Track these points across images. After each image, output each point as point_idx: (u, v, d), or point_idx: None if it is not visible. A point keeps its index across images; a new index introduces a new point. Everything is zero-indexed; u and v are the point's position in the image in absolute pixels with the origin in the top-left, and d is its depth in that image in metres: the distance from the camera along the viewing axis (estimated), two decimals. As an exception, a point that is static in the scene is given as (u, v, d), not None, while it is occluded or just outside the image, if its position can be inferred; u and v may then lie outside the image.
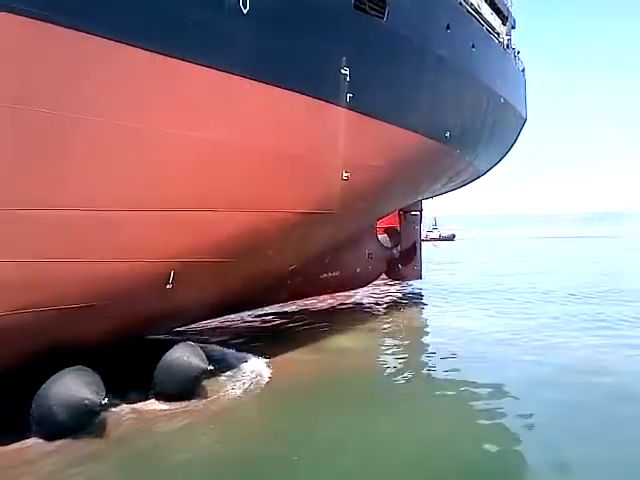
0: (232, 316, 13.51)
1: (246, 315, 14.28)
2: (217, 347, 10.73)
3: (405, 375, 9.56)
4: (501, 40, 15.19)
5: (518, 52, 17.32)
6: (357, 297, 18.04)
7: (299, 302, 15.13)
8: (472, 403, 7.83)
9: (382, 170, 10.11)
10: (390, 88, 9.76)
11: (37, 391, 6.33)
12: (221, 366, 8.92)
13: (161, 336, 9.33)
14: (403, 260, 18.94)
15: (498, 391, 8.41)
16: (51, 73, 5.62)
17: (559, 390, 8.19)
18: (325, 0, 8.27)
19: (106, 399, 6.35)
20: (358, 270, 15.55)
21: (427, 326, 15.06)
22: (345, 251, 13.47)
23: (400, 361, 10.69)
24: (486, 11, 14.06)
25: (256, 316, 14.41)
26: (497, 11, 15.07)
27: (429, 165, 12.36)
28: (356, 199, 9.73)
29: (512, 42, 16.40)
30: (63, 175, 5.87)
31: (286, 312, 14.92)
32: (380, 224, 17.09)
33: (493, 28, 14.50)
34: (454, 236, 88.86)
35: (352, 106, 8.84)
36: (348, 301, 17.24)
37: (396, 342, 12.41)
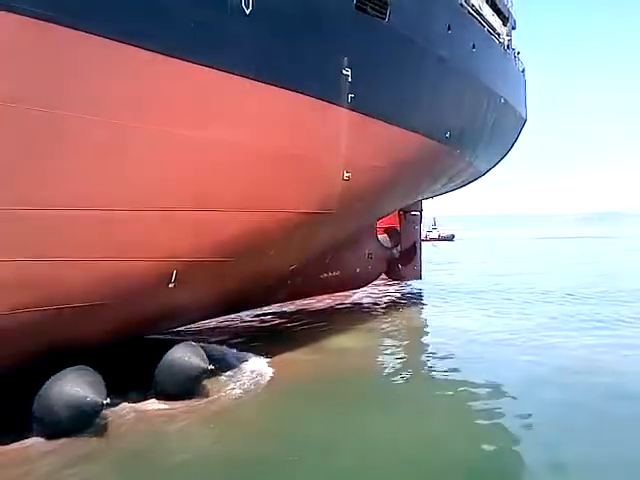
0: (231, 316, 13.50)
1: (245, 315, 14.28)
2: (217, 347, 10.76)
3: (404, 375, 9.60)
4: (502, 41, 15.21)
5: (518, 53, 17.35)
6: (356, 297, 18.06)
7: (298, 302, 15.13)
8: (470, 403, 7.86)
9: (383, 170, 10.13)
10: (391, 88, 9.77)
11: (38, 391, 6.33)
12: (221, 366, 8.94)
13: (161, 336, 9.35)
14: (403, 260, 18.97)
15: (496, 391, 8.45)
16: (51, 73, 5.61)
17: (557, 390, 8.22)
18: (327, 1, 8.28)
19: (107, 399, 6.36)
20: (358, 270, 15.58)
21: (426, 326, 15.10)
22: (345, 251, 13.49)
23: (399, 361, 10.73)
24: (487, 12, 14.07)
25: (255, 316, 14.42)
26: (498, 12, 15.08)
27: (429, 165, 12.39)
28: (357, 199, 9.76)
29: (512, 43, 16.43)
30: (63, 175, 5.86)
31: (285, 312, 14.93)
32: (380, 224, 17.12)
33: (494, 29, 14.52)
34: (453, 236, 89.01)
35: (353, 106, 8.86)
36: (347, 301, 17.26)
37: (395, 342, 12.43)
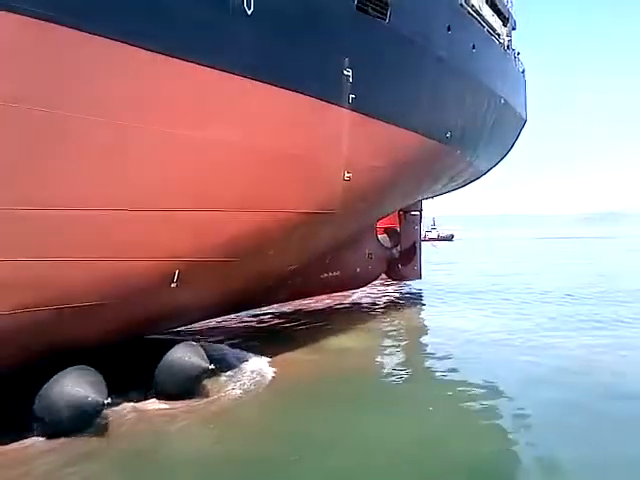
0: (230, 316, 13.49)
1: (243, 315, 14.27)
2: (217, 346, 10.77)
3: (404, 375, 9.63)
4: (501, 41, 15.22)
5: (518, 53, 17.37)
6: (355, 297, 18.07)
7: (296, 302, 15.11)
8: (469, 403, 7.87)
9: (384, 170, 10.15)
10: (392, 89, 9.78)
11: (39, 390, 6.34)
12: (221, 366, 8.96)
13: (161, 336, 9.36)
14: (403, 260, 18.99)
15: (495, 391, 8.48)
16: (52, 73, 5.61)
17: (555, 390, 8.24)
18: (328, 2, 8.29)
19: (108, 398, 6.37)
20: (358, 270, 15.60)
21: (425, 326, 15.12)
22: (345, 251, 13.51)
23: (398, 361, 10.76)
24: (487, 12, 14.08)
25: (253, 316, 14.42)
26: (498, 12, 15.09)
27: (430, 165, 12.41)
28: (357, 199, 9.78)
29: (512, 43, 16.44)
30: (64, 175, 5.86)
31: (284, 312, 14.93)
32: (380, 224, 17.13)
33: (494, 29, 14.53)
34: (452, 236, 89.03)
35: (354, 107, 8.88)
36: (346, 301, 17.27)
37: (394, 342, 12.45)
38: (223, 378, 8.69)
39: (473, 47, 12.33)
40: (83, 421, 6.40)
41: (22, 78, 5.42)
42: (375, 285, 19.70)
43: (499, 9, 15.12)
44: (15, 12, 5.21)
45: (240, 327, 13.54)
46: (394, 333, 13.36)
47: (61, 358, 6.55)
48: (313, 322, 13.66)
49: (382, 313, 15.53)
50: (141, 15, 6.15)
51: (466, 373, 9.48)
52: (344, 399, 7.94)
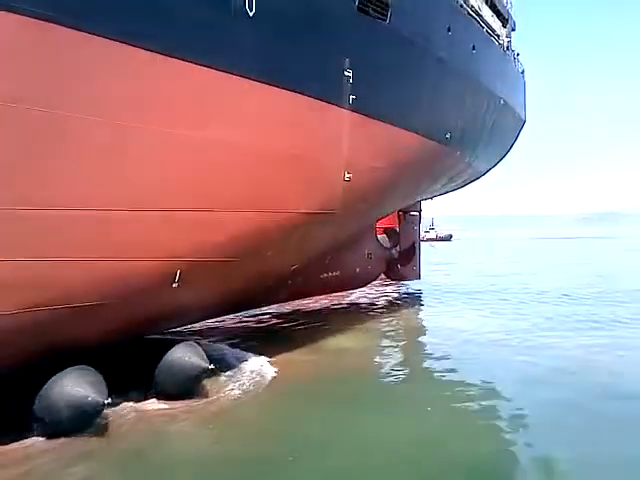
0: (229, 316, 13.50)
1: (242, 315, 14.26)
2: (217, 346, 10.78)
3: (402, 375, 9.64)
4: (501, 42, 15.26)
5: (518, 54, 17.42)
6: (353, 297, 18.07)
7: (294, 302, 15.09)
8: (467, 403, 7.89)
9: (384, 171, 10.17)
10: (392, 90, 9.81)
11: (39, 390, 6.34)
12: (221, 366, 8.96)
13: (161, 336, 9.36)
14: (402, 260, 19.02)
15: (492, 391, 8.52)
16: (51, 73, 5.60)
17: (552, 390, 8.27)
18: (329, 3, 8.30)
19: (108, 398, 6.37)
20: (358, 270, 15.62)
21: (423, 326, 15.15)
22: (345, 251, 13.53)
23: (397, 362, 10.76)
24: (486, 13, 14.12)
25: (252, 316, 14.41)
26: (497, 13, 15.13)
27: (430, 166, 12.44)
28: (358, 200, 9.79)
29: (512, 44, 16.48)
30: (64, 175, 5.86)
31: (282, 312, 14.93)
32: (379, 224, 17.17)
33: (493, 30, 14.57)
34: (451, 236, 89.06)
35: (355, 108, 8.89)
36: (344, 301, 17.27)
37: (392, 342, 12.46)
38: (223, 378, 8.70)
39: (473, 48, 12.36)
40: (83, 421, 6.40)
41: (21, 78, 5.41)
42: (373, 285, 19.71)
43: (499, 10, 15.15)
44: (15, 12, 5.20)
45: (239, 327, 13.53)
46: (392, 333, 13.37)
47: (61, 358, 6.55)
48: (311, 322, 13.66)
49: (380, 313, 15.54)
50: (141, 15, 6.15)
51: (464, 373, 9.52)
52: (343, 399, 7.96)
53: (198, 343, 8.45)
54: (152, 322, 8.08)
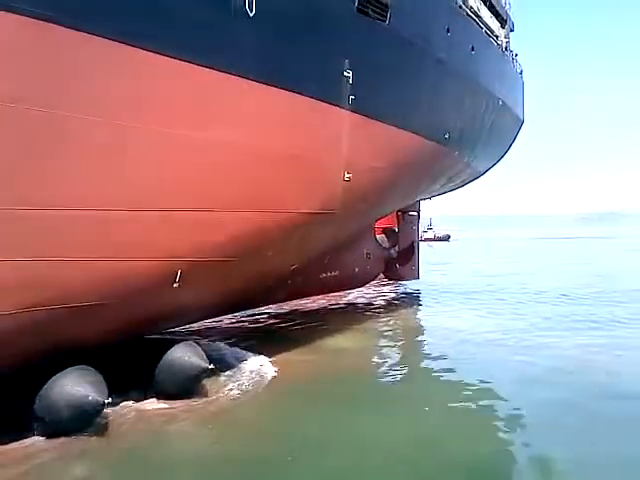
0: (227, 316, 13.51)
1: (240, 315, 14.25)
2: (216, 346, 10.78)
3: (400, 376, 9.65)
4: (500, 43, 15.31)
5: (516, 55, 17.47)
6: (350, 297, 18.06)
7: (292, 302, 15.08)
8: (465, 403, 7.91)
9: (383, 171, 10.19)
10: (392, 90, 9.83)
11: (39, 390, 6.35)
12: (221, 366, 8.97)
13: (160, 336, 9.37)
14: (401, 260, 19.06)
15: (490, 391, 8.53)
16: (51, 73, 5.59)
17: (550, 390, 8.28)
18: (329, 4, 8.32)
19: (109, 398, 6.38)
20: (357, 270, 15.65)
21: (420, 326, 15.16)
22: (344, 251, 13.55)
23: (395, 361, 10.76)
24: (485, 14, 14.17)
25: (250, 316, 14.40)
26: (496, 14, 15.18)
27: (429, 166, 12.47)
28: (357, 200, 9.81)
29: (510, 45, 16.54)
30: (63, 175, 5.85)
31: (279, 312, 14.92)
32: (378, 224, 17.20)
33: (492, 31, 14.61)
34: (449, 237, 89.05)
35: (354, 108, 8.91)
36: (341, 301, 17.26)
37: (390, 342, 12.47)
38: (222, 378, 8.71)
39: (472, 49, 12.40)
40: (83, 421, 6.41)
41: (20, 78, 5.40)
42: (371, 285, 19.72)
43: (497, 11, 15.20)
44: (14, 12, 5.20)
45: (237, 327, 13.53)
46: (390, 333, 13.38)
47: (61, 358, 6.55)
48: (309, 322, 13.66)
49: (378, 313, 15.54)
50: (141, 15, 6.14)
51: (462, 373, 9.54)
52: (341, 399, 7.97)
53: (197, 343, 8.47)
54: (152, 322, 8.09)
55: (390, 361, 10.80)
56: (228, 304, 9.97)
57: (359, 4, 8.66)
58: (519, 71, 17.93)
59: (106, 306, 6.62)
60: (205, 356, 7.86)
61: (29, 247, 5.79)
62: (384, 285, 21.14)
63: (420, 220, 20.46)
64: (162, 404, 7.55)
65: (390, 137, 10.02)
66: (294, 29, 7.70)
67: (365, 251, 15.96)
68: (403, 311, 16.39)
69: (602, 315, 14.67)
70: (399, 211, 18.06)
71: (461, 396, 8.22)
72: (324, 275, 13.49)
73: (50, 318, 6.10)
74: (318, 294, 15.65)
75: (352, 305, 17.08)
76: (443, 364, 10.25)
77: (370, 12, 8.87)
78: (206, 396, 7.87)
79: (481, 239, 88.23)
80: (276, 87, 7.58)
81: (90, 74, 5.88)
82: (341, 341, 11.81)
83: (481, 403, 7.92)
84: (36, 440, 6.29)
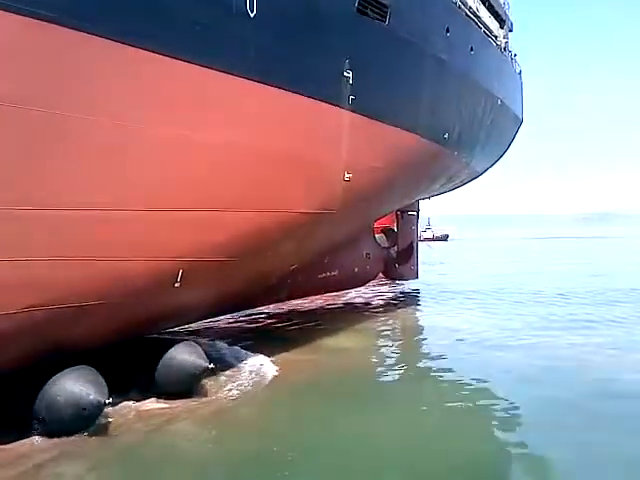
0: (226, 316, 13.51)
1: (238, 315, 14.23)
2: (216, 346, 10.80)
3: (399, 375, 9.69)
4: (499, 43, 15.35)
5: (515, 55, 17.52)
6: (348, 297, 18.07)
7: (290, 302, 15.01)
8: (463, 403, 7.92)
9: (383, 171, 10.20)
10: (391, 90, 9.85)
11: (39, 390, 6.35)
12: (221, 365, 8.98)
13: (159, 335, 9.37)
14: (400, 260, 19.10)
15: (487, 390, 8.58)
16: (51, 73, 5.59)
17: (548, 389, 8.31)
18: (329, 4, 8.33)
19: (109, 398, 6.39)
20: (356, 270, 15.67)
21: (418, 326, 15.19)
22: (343, 251, 13.57)
23: (393, 361, 10.81)
24: (484, 14, 14.20)
25: (247, 315, 14.39)
26: (495, 14, 15.22)
27: (428, 166, 12.49)
28: (357, 200, 9.82)
29: (509, 45, 16.58)
30: (63, 175, 5.85)
31: (277, 312, 14.92)
32: (377, 224, 17.23)
33: (491, 31, 14.65)
34: (447, 236, 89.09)
35: (354, 108, 8.92)
36: (339, 301, 17.27)
37: (389, 342, 12.50)
38: (222, 378, 8.72)
39: (471, 49, 12.43)
40: (83, 420, 6.40)
41: (21, 78, 5.40)
42: (369, 285, 19.77)
43: (496, 11, 15.24)
44: (15, 12, 5.20)
45: (235, 327, 13.52)
46: (388, 333, 13.41)
47: (61, 358, 6.55)
48: (308, 322, 13.67)
49: (376, 313, 15.55)
50: (142, 16, 6.15)
51: (459, 372, 9.57)
52: (340, 399, 7.98)
53: (197, 342, 8.48)
54: (152, 322, 8.09)
55: (389, 361, 10.87)
56: (228, 304, 9.99)
57: (359, 4, 8.68)
58: (518, 71, 17.97)
59: (106, 306, 6.62)
60: (205, 355, 7.87)
61: (29, 247, 5.79)
62: (382, 285, 21.16)
63: (419, 220, 20.50)
64: (162, 404, 7.56)
65: (390, 137, 10.04)
66: (294, 30, 7.72)
67: (364, 251, 15.99)
68: (402, 311, 16.41)
69: (600, 315, 14.73)
70: (398, 211, 18.10)
71: (459, 395, 8.26)
72: (324, 275, 13.51)
73: (50, 318, 6.10)
74: (318, 294, 15.65)
75: (350, 305, 17.09)
76: (441, 363, 10.29)
77: (369, 12, 8.88)
78: (206, 396, 7.88)
79: (479, 239, 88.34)
80: (277, 87, 7.59)
81: (90, 74, 5.88)
82: (340, 341, 11.84)
83: (479, 402, 7.95)
84: (36, 440, 6.30)
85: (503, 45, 15.75)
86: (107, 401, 6.34)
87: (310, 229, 9.18)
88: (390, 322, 14.51)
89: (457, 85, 12.06)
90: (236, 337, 12.02)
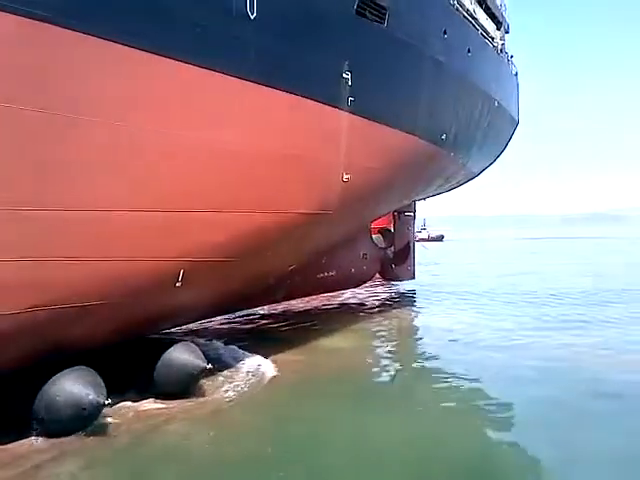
0: (225, 316, 13.51)
1: (234, 315, 14.23)
2: (214, 346, 10.80)
3: (394, 376, 9.68)
4: (495, 45, 15.44)
5: (511, 56, 17.63)
6: (344, 297, 18.10)
7: (286, 302, 15.06)
8: (457, 403, 7.98)
9: (381, 172, 10.25)
10: (390, 92, 9.89)
11: (39, 391, 6.34)
12: (218, 365, 8.99)
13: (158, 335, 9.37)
14: (397, 260, 19.18)
15: (480, 390, 8.65)
16: (46, 73, 5.57)
17: (542, 389, 8.37)
18: (328, 6, 8.35)
19: (108, 398, 6.40)
20: (353, 270, 15.72)
21: (413, 326, 15.25)
22: (341, 251, 13.60)
23: (388, 362, 10.82)
24: (481, 16, 14.29)
25: (243, 316, 14.39)
26: (492, 16, 15.31)
27: (426, 167, 12.54)
28: (356, 200, 9.86)
29: (506, 46, 16.69)
30: (62, 175, 5.84)
31: (273, 312, 14.93)
32: (374, 225, 17.29)
33: (488, 33, 14.74)
34: (443, 237, 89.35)
35: (353, 109, 8.95)
36: (335, 302, 17.30)
37: (384, 343, 12.53)
38: (220, 378, 8.73)
39: (468, 51, 12.50)
40: (82, 420, 6.41)
41: (16, 78, 5.37)
42: (364, 285, 19.84)
43: (493, 13, 15.33)
44: (9, 12, 5.17)
45: (230, 327, 13.50)
46: (383, 333, 13.44)
47: (61, 358, 6.55)
48: (303, 322, 13.69)
49: (371, 313, 15.60)
50: (140, 16, 6.13)
51: (454, 373, 9.61)
52: (336, 399, 8.02)
53: (195, 342, 8.49)
54: (152, 322, 8.10)
55: (384, 361, 10.90)
56: (227, 304, 10.00)
57: (358, 6, 8.71)
58: (514, 72, 18.08)
59: (108, 306, 6.62)
60: (203, 356, 7.88)
61: (30, 247, 5.78)
62: (377, 285, 21.21)
63: (415, 221, 20.60)
64: (160, 404, 7.56)
65: (388, 138, 10.09)
66: (294, 31, 7.74)
67: (361, 252, 16.05)
68: (397, 311, 16.45)
69: (592, 315, 14.83)
70: (395, 212, 18.17)
71: (453, 395, 8.33)
72: (321, 275, 13.53)
73: (51, 318, 6.09)
74: (315, 294, 15.69)
75: (346, 305, 17.12)
76: (436, 364, 10.36)
77: (368, 14, 8.92)
78: (204, 396, 7.90)
79: (475, 239, 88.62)
80: (276, 89, 7.61)
81: (86, 74, 5.85)
82: (336, 341, 11.87)
83: (473, 402, 8.01)
84: (36, 440, 6.29)
85: (500, 47, 15.85)
86: (106, 401, 6.35)
87: (309, 229, 9.20)
88: (385, 322, 14.55)
89: (454, 87, 12.12)
90: (234, 337, 12.02)
